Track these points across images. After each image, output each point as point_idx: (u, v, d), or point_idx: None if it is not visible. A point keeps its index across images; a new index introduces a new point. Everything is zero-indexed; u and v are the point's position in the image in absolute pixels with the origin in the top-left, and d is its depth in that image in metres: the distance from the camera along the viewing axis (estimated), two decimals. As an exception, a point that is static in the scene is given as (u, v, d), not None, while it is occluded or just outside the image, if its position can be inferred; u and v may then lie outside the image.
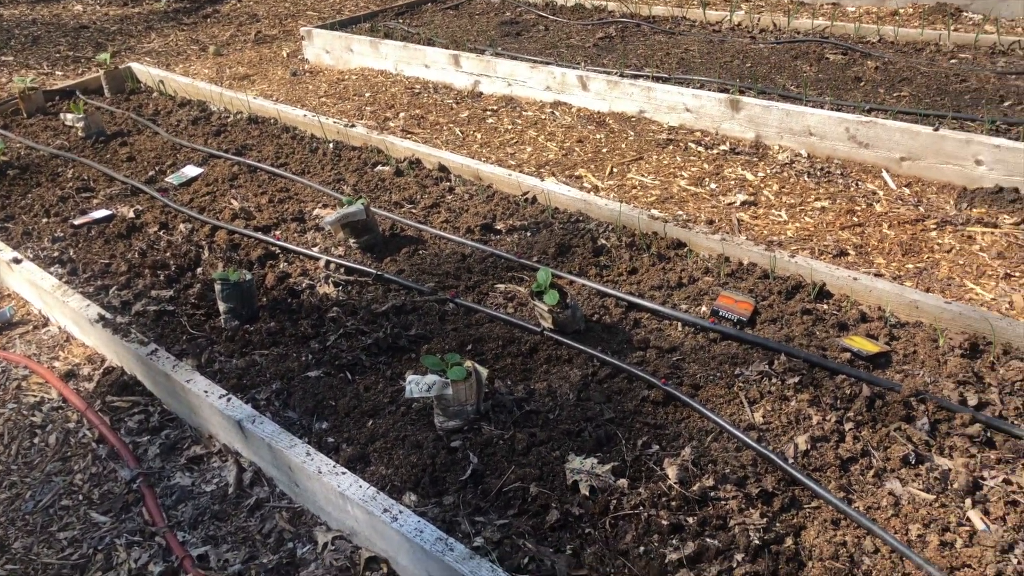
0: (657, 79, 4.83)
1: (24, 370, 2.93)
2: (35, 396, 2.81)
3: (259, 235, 3.42)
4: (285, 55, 6.54)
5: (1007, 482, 2.06)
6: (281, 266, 3.25)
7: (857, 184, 3.76)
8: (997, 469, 2.09)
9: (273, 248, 3.36)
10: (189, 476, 2.44)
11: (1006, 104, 4.21)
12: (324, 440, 2.36)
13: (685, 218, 3.43)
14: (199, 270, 3.26)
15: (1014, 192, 3.48)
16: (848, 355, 2.50)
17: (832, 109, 4.14)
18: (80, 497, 2.40)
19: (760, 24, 6.02)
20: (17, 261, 3.22)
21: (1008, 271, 3.05)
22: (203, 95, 5.13)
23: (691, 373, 2.46)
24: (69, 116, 4.68)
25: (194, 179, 4.02)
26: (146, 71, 5.53)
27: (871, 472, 2.10)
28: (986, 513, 1.98)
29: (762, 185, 3.81)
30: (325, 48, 6.12)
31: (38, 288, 3.12)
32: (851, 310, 2.75)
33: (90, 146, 4.49)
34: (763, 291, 2.84)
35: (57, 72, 6.43)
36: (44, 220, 3.73)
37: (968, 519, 1.96)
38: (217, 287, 2.85)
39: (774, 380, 2.40)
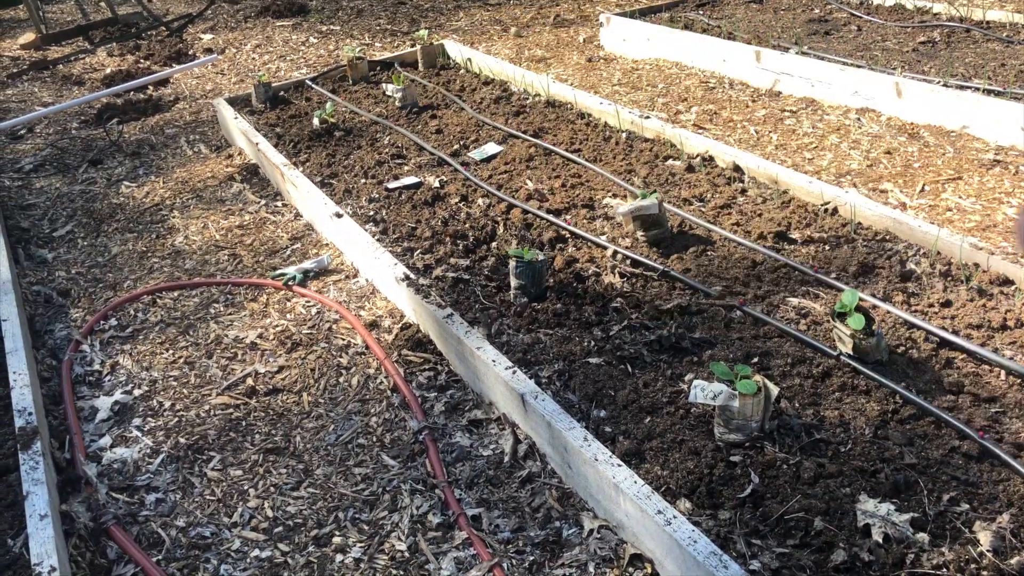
0: (988, 92, 4.33)
1: (335, 315, 3.25)
2: (343, 339, 3.11)
3: (551, 218, 3.52)
4: (581, 40, 6.66)
5: None
6: (569, 250, 3.33)
7: None
8: None
9: (563, 232, 3.44)
10: (468, 438, 2.58)
11: None
12: (601, 428, 2.39)
13: (1011, 251, 3.06)
14: (494, 244, 3.42)
15: None
16: None
17: None
18: (374, 439, 2.63)
19: (1124, 36, 5.19)
20: (339, 216, 3.57)
21: None
22: (505, 75, 5.36)
23: (1014, 430, 2.19)
24: (390, 87, 5.10)
25: (494, 156, 4.22)
26: (456, 48, 5.89)
27: None
28: None
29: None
30: (622, 36, 6.15)
31: (354, 243, 3.44)
32: None
33: (404, 116, 4.87)
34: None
35: (376, 44, 7.04)
36: (362, 181, 4.11)
37: None
38: (511, 263, 2.97)
39: (1119, 455, 2.07)
